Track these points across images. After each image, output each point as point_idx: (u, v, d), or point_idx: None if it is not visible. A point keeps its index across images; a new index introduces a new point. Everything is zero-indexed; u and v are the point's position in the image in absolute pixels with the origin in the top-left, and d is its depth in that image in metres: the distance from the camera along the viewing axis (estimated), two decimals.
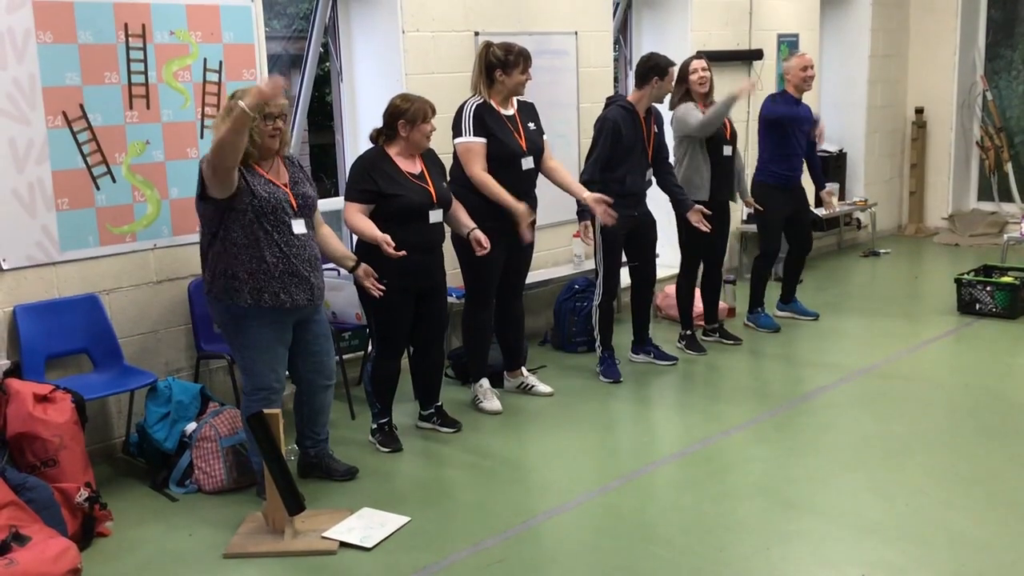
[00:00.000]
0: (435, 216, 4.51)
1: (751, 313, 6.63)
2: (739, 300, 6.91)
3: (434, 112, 4.49)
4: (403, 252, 4.26)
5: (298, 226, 3.94)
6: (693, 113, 5.73)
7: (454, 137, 4.93)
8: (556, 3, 6.38)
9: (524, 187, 5.02)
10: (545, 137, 5.20)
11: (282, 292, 3.88)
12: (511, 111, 5.01)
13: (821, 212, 7.85)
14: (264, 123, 3.83)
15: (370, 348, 5.01)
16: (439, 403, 4.91)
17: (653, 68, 5.39)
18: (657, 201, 5.79)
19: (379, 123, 4.51)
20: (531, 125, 5.08)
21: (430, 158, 4.62)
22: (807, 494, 4.05)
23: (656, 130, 5.54)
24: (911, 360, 5.88)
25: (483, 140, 4.85)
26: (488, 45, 4.95)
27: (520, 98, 5.09)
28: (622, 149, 5.34)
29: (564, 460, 4.53)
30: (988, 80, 9.72)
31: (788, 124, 6.28)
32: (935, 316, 6.81)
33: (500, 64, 4.88)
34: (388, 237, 4.26)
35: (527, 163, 5.00)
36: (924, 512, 3.84)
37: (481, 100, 4.91)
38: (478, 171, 4.84)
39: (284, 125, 3.92)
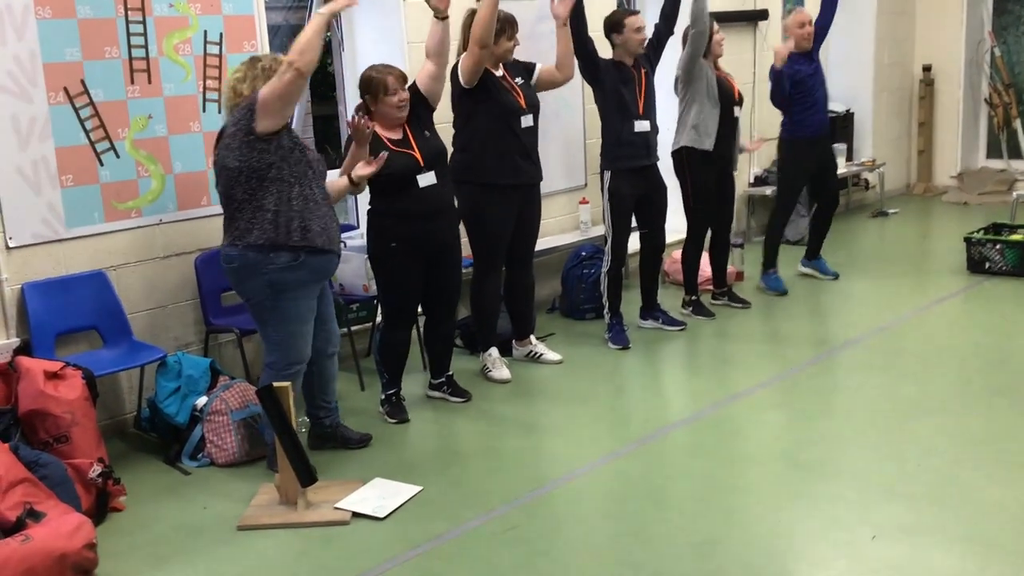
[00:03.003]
0: (425, 180, 4.41)
1: (764, 275, 6.64)
2: (747, 264, 6.89)
3: (403, 80, 4.38)
4: (374, 124, 4.25)
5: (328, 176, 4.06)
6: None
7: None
8: None
9: (525, 147, 5.00)
10: (539, 65, 5.18)
11: (320, 229, 3.88)
12: (500, 72, 4.98)
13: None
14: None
15: (379, 318, 5.01)
16: (450, 372, 4.91)
17: (610, 28, 5.40)
18: (667, 170, 5.74)
19: None
20: (519, 80, 5.04)
21: (414, 115, 4.48)
22: (818, 456, 4.05)
23: (645, 83, 5.46)
24: (921, 320, 5.87)
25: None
26: (473, 12, 4.85)
27: None
28: (612, 99, 5.37)
29: (574, 427, 4.53)
30: (996, 36, 9.61)
31: (809, 80, 6.26)
32: (945, 276, 6.78)
33: None
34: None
35: (526, 120, 4.98)
36: (936, 472, 3.84)
37: None
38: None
39: None
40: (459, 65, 4.85)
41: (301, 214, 3.84)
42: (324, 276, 4.05)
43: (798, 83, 6.26)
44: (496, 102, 4.89)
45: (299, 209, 3.84)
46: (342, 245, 4.84)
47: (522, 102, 4.97)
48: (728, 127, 5.86)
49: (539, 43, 5.92)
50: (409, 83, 4.49)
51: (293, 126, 4.07)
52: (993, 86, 9.64)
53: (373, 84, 4.36)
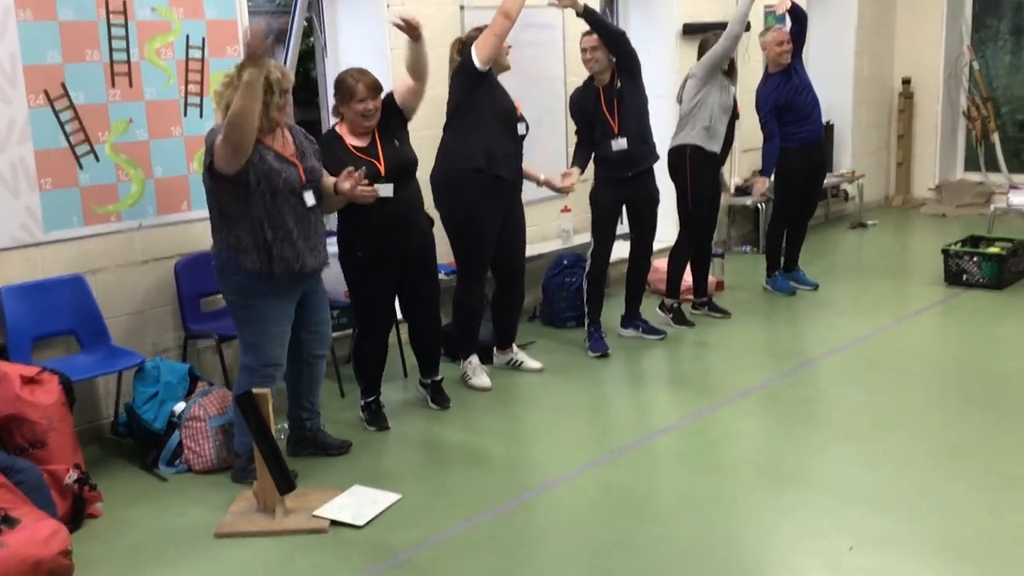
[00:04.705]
0: (383, 191, 4.28)
1: (769, 277, 6.74)
2: (727, 273, 6.92)
3: (374, 90, 4.29)
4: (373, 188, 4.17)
5: (308, 198, 3.95)
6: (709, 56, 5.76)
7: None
8: None
9: (519, 150, 5.01)
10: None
11: (293, 258, 3.88)
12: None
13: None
14: (282, 98, 3.84)
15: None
16: (439, 377, 4.88)
17: None
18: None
19: None
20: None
21: (387, 124, 4.40)
22: (797, 466, 4.07)
23: (619, 100, 5.36)
24: (899, 331, 5.90)
25: None
26: (459, 41, 4.95)
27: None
28: (585, 119, 5.47)
29: (554, 435, 4.53)
30: (975, 50, 9.70)
31: (791, 99, 6.30)
32: (922, 287, 6.83)
33: None
34: None
35: (521, 128, 5.01)
36: (913, 482, 3.87)
37: None
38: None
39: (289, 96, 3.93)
40: (475, 47, 4.77)
41: (278, 245, 3.85)
42: (299, 289, 4.03)
43: (783, 107, 6.31)
44: (497, 99, 4.91)
45: (271, 240, 3.84)
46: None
47: (518, 109, 4.99)
48: (727, 138, 5.91)
49: (523, 50, 5.94)
50: (387, 92, 4.44)
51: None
52: (971, 99, 9.73)
53: (344, 88, 4.30)
